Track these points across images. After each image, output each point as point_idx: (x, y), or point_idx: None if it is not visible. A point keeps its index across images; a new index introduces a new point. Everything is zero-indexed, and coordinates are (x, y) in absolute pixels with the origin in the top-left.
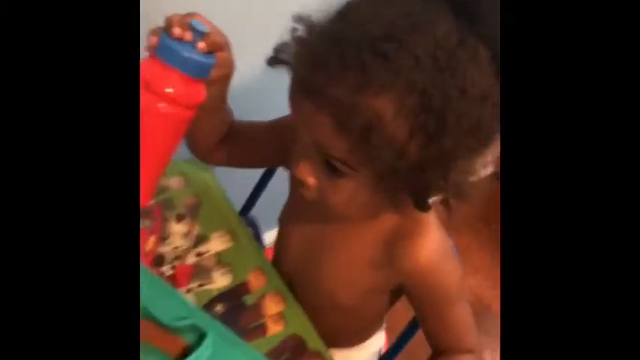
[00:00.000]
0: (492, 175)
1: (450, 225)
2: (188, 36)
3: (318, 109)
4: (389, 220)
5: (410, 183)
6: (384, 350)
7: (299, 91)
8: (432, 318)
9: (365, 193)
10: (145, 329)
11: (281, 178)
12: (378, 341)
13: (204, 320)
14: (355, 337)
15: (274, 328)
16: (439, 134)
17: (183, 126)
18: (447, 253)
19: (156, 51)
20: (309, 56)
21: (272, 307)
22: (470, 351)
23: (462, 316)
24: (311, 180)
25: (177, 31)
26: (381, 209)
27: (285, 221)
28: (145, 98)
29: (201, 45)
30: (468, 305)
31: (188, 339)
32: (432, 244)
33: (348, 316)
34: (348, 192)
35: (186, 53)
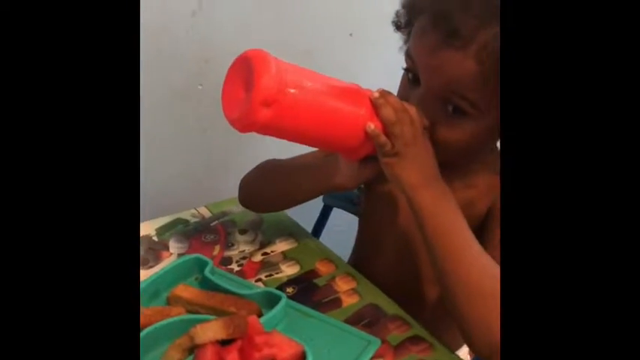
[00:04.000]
0: None
1: None
2: None
3: (465, 56)
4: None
5: None
6: None
7: (438, 40)
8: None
9: (483, 135)
10: (220, 299)
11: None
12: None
13: (276, 293)
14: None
15: (349, 301)
16: None
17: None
18: None
19: None
20: (456, 3)
21: (344, 285)
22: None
23: None
24: (425, 121)
25: None
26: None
27: (371, 232)
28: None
29: None
30: None
31: (262, 305)
32: None
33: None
34: (468, 132)
35: None
